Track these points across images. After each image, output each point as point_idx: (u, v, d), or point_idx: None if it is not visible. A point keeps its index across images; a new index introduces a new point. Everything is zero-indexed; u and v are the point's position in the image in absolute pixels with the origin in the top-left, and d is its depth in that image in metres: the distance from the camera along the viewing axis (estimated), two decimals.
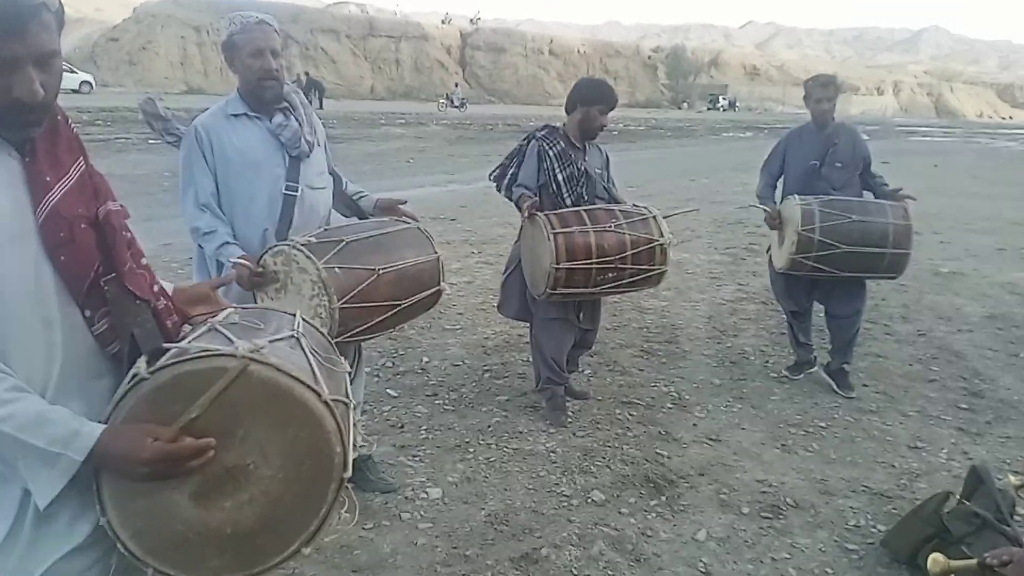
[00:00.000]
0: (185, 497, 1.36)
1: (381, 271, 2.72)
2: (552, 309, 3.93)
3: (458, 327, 5.47)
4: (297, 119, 2.86)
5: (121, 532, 1.35)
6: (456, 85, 53.52)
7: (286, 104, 2.87)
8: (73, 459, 1.25)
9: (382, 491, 3.25)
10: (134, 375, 1.34)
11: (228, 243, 2.74)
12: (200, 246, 2.86)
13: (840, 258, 4.22)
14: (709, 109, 72.43)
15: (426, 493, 3.27)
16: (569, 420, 4.01)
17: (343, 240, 2.70)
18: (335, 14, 71.27)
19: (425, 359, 4.85)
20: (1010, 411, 4.39)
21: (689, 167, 18.62)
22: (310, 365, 1.50)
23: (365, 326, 2.76)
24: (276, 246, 2.69)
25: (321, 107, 33.34)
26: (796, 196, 4.36)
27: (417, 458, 3.58)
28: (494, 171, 4.03)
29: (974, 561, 1.94)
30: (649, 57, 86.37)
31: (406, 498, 3.23)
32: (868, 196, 4.60)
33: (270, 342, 1.45)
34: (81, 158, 1.43)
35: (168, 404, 1.32)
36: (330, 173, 3.12)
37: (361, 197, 3.23)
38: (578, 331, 4.13)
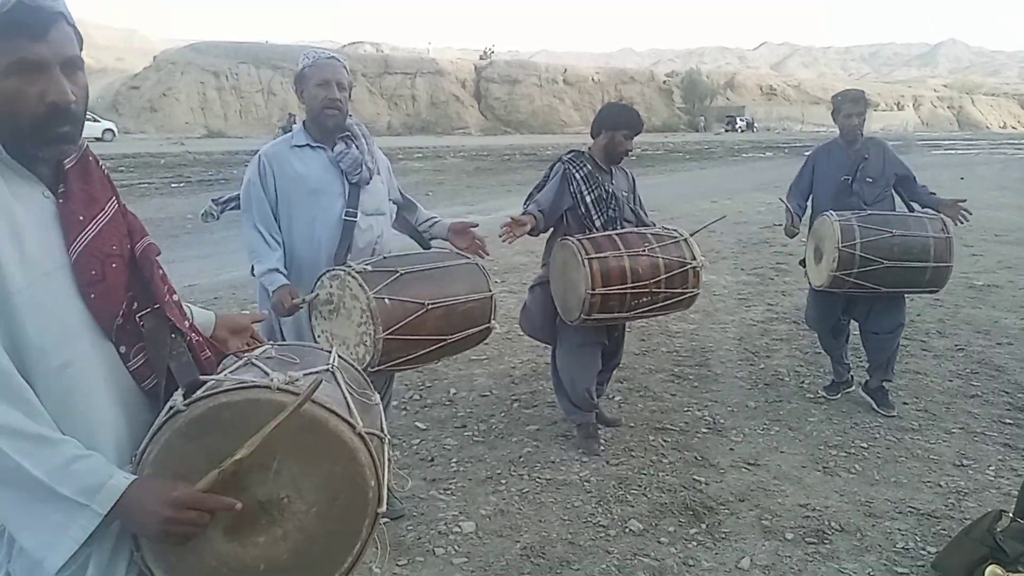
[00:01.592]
0: (219, 532, 1.34)
1: (430, 305, 2.77)
2: (581, 335, 3.88)
3: (484, 357, 5.42)
4: (358, 147, 3.00)
5: (155, 568, 1.34)
6: (291, 116, 51.36)
7: (348, 134, 3.02)
8: (96, 512, 1.23)
9: (391, 518, 3.21)
10: (170, 407, 1.33)
11: (273, 270, 2.86)
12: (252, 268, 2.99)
13: (882, 274, 4.14)
14: (727, 131, 72.42)
15: (459, 527, 3.20)
16: (602, 448, 3.93)
17: (397, 271, 2.77)
18: (351, 54, 72.53)
19: (453, 391, 4.81)
20: None
21: (710, 189, 18.56)
22: (345, 398, 1.48)
23: (408, 357, 2.82)
24: (333, 270, 2.81)
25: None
26: (832, 212, 4.28)
27: (448, 491, 3.52)
28: (525, 200, 4.02)
29: None
30: (664, 82, 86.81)
31: (439, 532, 3.17)
32: (903, 209, 4.53)
33: (304, 375, 1.44)
34: (114, 197, 1.45)
35: (204, 436, 1.31)
36: (396, 202, 3.26)
37: (435, 223, 3.33)
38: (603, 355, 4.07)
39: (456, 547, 3.06)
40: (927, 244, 4.16)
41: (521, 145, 40.58)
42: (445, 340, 2.88)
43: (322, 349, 1.81)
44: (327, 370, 1.57)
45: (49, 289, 1.27)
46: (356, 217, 2.96)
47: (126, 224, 1.45)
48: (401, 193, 3.31)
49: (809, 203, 4.68)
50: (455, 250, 3.18)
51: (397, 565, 2.92)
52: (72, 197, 1.34)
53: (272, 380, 1.37)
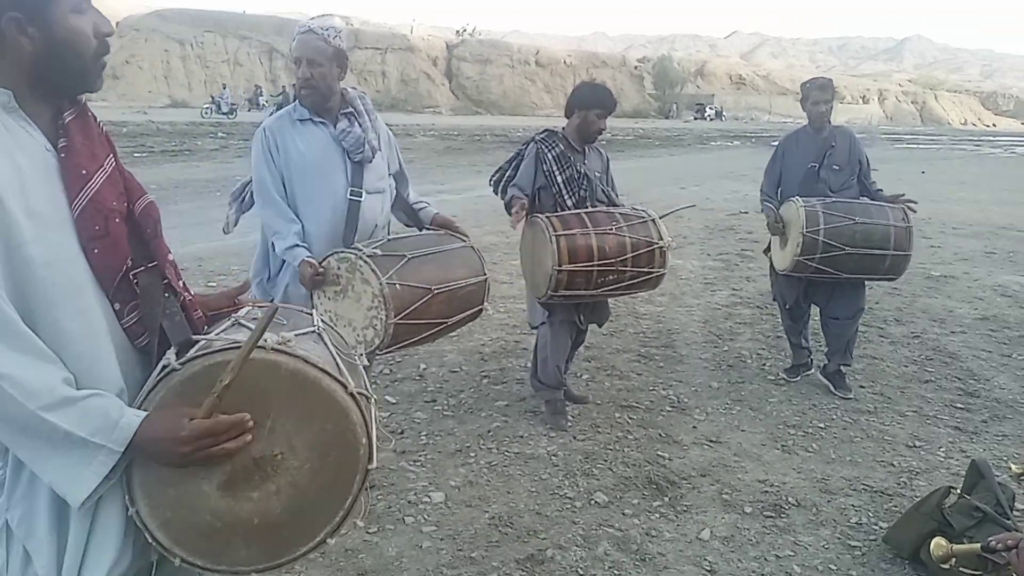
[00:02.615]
0: (214, 487, 1.37)
1: (436, 290, 2.82)
2: (554, 312, 3.94)
3: (454, 335, 5.44)
4: (360, 125, 2.96)
5: (150, 522, 1.36)
6: (224, 87, 45.75)
7: (351, 110, 2.98)
8: (113, 451, 1.25)
9: None
10: (164, 366, 1.35)
11: (296, 246, 2.85)
12: (272, 244, 2.98)
13: (843, 260, 4.26)
14: (696, 119, 72.91)
15: (429, 497, 3.26)
16: (569, 424, 4.01)
17: (405, 256, 2.81)
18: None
19: (423, 366, 4.85)
20: (1005, 410, 4.43)
21: (678, 175, 18.72)
22: (334, 359, 1.52)
23: (411, 340, 2.89)
24: (343, 252, 2.81)
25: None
26: (798, 198, 4.38)
27: (418, 463, 3.57)
28: (494, 175, 4.04)
29: (977, 546, 1.97)
30: (636, 67, 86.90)
31: (409, 502, 3.22)
32: (864, 199, 4.64)
33: (296, 335, 1.47)
34: (111, 154, 1.45)
35: (198, 394, 1.33)
36: (396, 177, 3.24)
37: (421, 208, 3.33)
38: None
39: (426, 516, 3.12)
40: (888, 232, 4.28)
41: (492, 126, 40.41)
42: (445, 323, 2.95)
43: (304, 312, 1.83)
44: (314, 331, 1.60)
45: (55, 243, 1.28)
46: (361, 197, 2.95)
47: (123, 181, 1.45)
48: (400, 166, 3.29)
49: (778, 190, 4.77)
50: (450, 232, 3.18)
51: (368, 533, 2.96)
52: (74, 151, 1.34)
53: (266, 340, 1.40)
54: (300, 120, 2.95)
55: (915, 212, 4.45)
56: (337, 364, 1.50)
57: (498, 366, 4.90)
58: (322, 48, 2.84)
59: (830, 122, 4.63)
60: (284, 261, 2.96)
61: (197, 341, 1.44)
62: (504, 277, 7.12)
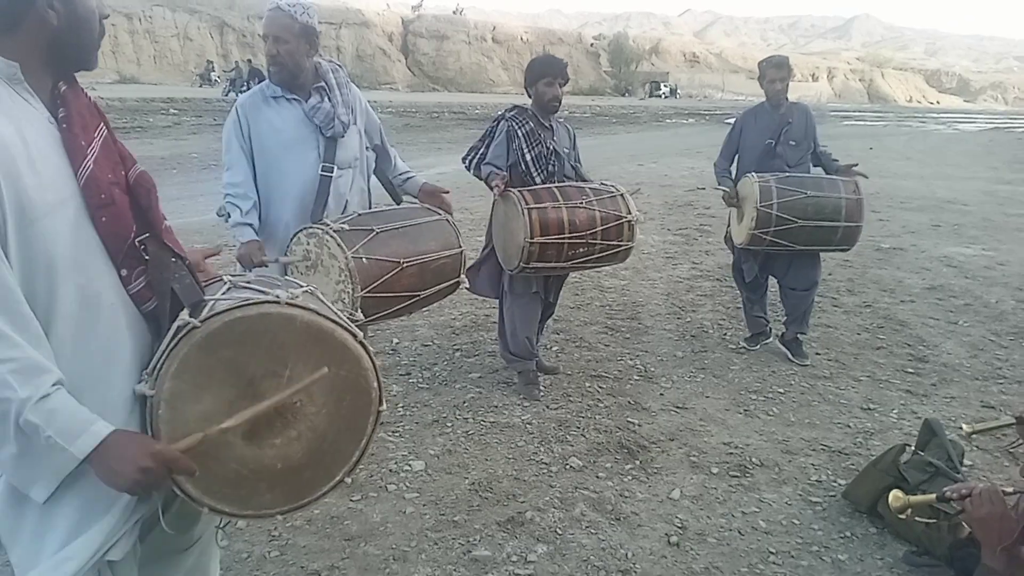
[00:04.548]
0: (239, 438, 1.43)
1: (405, 264, 2.87)
2: (523, 285, 4.03)
3: (425, 309, 5.51)
4: (331, 100, 2.97)
5: (178, 476, 1.41)
6: (209, 62, 45.78)
7: (323, 84, 2.99)
8: (73, 456, 1.28)
9: None
10: (181, 326, 1.40)
11: (244, 224, 2.89)
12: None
13: (796, 232, 4.42)
14: (651, 96, 73.38)
15: (409, 466, 3.34)
16: (541, 394, 4.12)
17: (373, 230, 2.84)
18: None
19: (395, 340, 4.91)
20: (952, 374, 4.67)
21: (636, 152, 18.90)
22: (334, 311, 1.59)
23: (383, 312, 2.93)
24: (311, 227, 2.84)
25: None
26: (753, 174, 4.53)
27: (397, 434, 3.64)
28: (467, 155, 4.09)
29: (932, 496, 2.11)
30: (592, 45, 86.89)
31: (390, 471, 3.30)
32: (818, 172, 4.81)
33: (303, 292, 1.54)
34: (102, 124, 1.48)
35: (220, 350, 1.40)
36: (376, 149, 3.28)
37: (408, 178, 3.38)
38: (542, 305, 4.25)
39: (407, 484, 3.20)
40: (839, 205, 4.45)
41: (450, 103, 40.11)
42: (418, 296, 2.99)
43: (286, 278, 1.91)
44: (309, 291, 1.67)
45: (65, 216, 1.31)
46: (333, 173, 2.98)
47: (117, 151, 1.49)
48: (382, 139, 3.32)
49: (735, 166, 4.92)
50: (425, 206, 3.23)
51: (351, 500, 3.04)
52: (72, 122, 1.38)
53: (279, 296, 1.47)
54: (273, 97, 2.98)
55: (867, 179, 4.63)
56: (340, 315, 1.58)
57: (470, 339, 4.98)
58: (288, 24, 2.85)
59: (787, 99, 4.77)
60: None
61: (207, 302, 1.50)
62: (471, 253, 7.09)
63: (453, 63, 71.36)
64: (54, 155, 1.33)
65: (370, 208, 3.24)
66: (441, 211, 3.22)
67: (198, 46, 54.22)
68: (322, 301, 1.64)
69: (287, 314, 1.44)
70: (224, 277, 1.65)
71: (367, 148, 3.25)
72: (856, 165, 4.68)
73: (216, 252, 1.93)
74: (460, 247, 3.15)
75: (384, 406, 1.57)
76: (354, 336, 1.51)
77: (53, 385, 1.25)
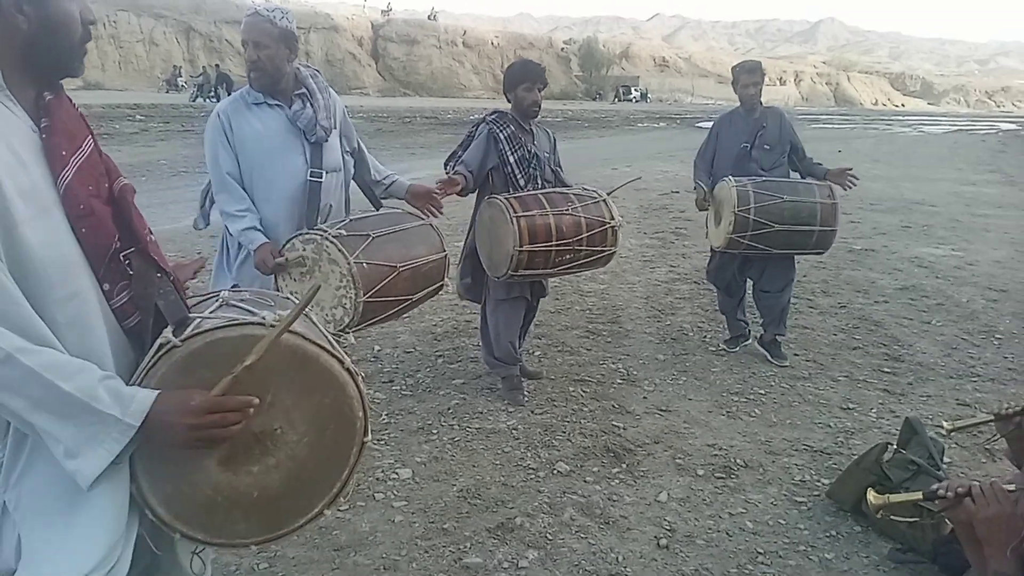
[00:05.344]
0: (214, 462, 1.40)
1: (401, 268, 2.87)
2: (507, 290, 4.03)
3: (405, 315, 5.48)
4: (312, 105, 2.95)
5: (150, 498, 1.38)
6: (175, 68, 46.16)
7: (304, 90, 2.98)
8: (129, 424, 1.27)
9: None
10: (162, 344, 1.37)
11: (253, 228, 2.86)
12: (227, 227, 2.97)
13: (773, 236, 4.48)
14: (622, 100, 73.87)
15: (396, 474, 3.32)
16: (526, 399, 4.12)
17: (369, 235, 2.85)
18: (239, 4, 69.12)
19: (376, 347, 4.88)
20: (928, 372, 4.76)
21: (609, 156, 18.99)
22: (325, 336, 1.56)
23: (379, 317, 2.93)
24: (307, 233, 2.82)
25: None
26: (731, 178, 4.58)
27: (383, 442, 3.62)
28: (448, 159, 4.09)
29: (916, 494, 2.06)
30: (562, 49, 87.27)
31: (377, 479, 3.27)
32: (795, 176, 4.88)
33: (289, 313, 1.51)
34: (89, 135, 1.45)
35: (200, 371, 1.36)
36: (352, 153, 3.26)
37: (393, 181, 3.38)
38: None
39: (395, 492, 3.18)
40: (814, 209, 4.52)
41: (421, 108, 40.03)
42: (409, 299, 3.01)
43: (280, 295, 1.88)
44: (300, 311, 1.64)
45: (49, 223, 1.29)
46: (321, 178, 2.97)
47: (103, 163, 1.46)
48: (359, 143, 3.32)
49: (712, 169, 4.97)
50: (408, 210, 3.23)
51: (339, 510, 3.00)
52: (55, 131, 1.35)
53: (264, 317, 1.44)
54: (255, 104, 2.95)
55: (855, 186, 4.71)
56: (329, 340, 1.55)
57: (451, 345, 4.97)
58: (267, 29, 2.84)
59: (761, 103, 4.83)
60: (241, 245, 2.97)
61: (192, 319, 1.47)
62: (451, 258, 7.16)
63: (424, 68, 71.21)
64: (37, 163, 1.31)
65: (348, 213, 3.23)
66: (424, 216, 3.24)
67: (164, 51, 53.51)
68: (313, 324, 1.61)
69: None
70: (220, 293, 1.63)
71: (346, 152, 3.24)
72: (851, 168, 4.75)
73: (201, 266, 1.90)
74: (444, 251, 3.21)
75: (370, 436, 1.51)
76: (340, 362, 1.47)
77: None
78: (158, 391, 1.31)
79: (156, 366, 1.36)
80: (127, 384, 1.35)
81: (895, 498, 2.13)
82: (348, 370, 1.49)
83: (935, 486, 1.99)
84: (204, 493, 1.41)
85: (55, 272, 1.29)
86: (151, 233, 1.53)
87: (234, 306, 1.56)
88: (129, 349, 1.45)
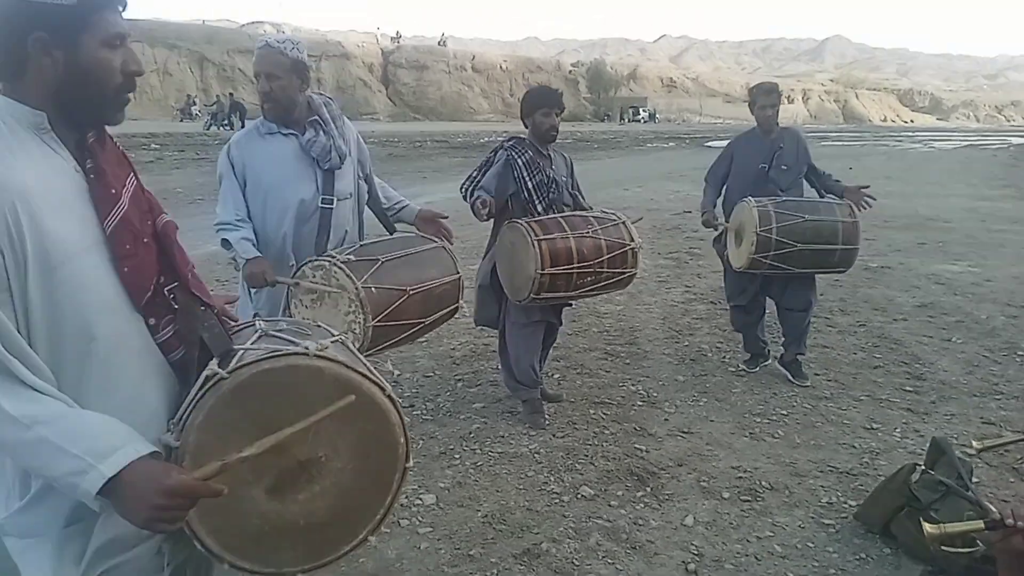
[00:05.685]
0: (262, 492, 1.41)
1: (411, 291, 2.88)
2: (527, 314, 4.04)
3: (424, 340, 5.48)
4: (326, 132, 2.98)
5: (199, 529, 1.38)
6: (189, 97, 46.55)
7: (317, 118, 3.00)
8: (101, 473, 1.21)
9: None
10: (209, 376, 1.38)
11: (246, 239, 2.86)
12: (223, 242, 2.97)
13: (796, 255, 4.47)
14: (630, 121, 74.25)
15: (420, 500, 3.32)
16: (547, 422, 4.11)
17: (378, 259, 2.86)
18: (251, 34, 70.10)
19: (396, 372, 4.89)
20: (951, 391, 4.71)
21: (621, 177, 19.05)
22: (365, 364, 1.58)
23: (390, 341, 2.92)
24: (316, 260, 2.84)
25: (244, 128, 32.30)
26: (751, 199, 4.58)
27: None
28: (464, 183, 4.12)
29: (977, 523, 1.86)
30: (570, 72, 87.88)
31: (401, 505, 3.26)
32: (812, 194, 4.89)
33: (331, 342, 1.53)
34: (132, 173, 1.48)
35: (247, 402, 1.38)
36: (367, 180, 3.27)
37: (404, 207, 3.39)
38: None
39: (420, 518, 3.18)
40: (836, 228, 4.52)
41: (432, 132, 40.35)
42: (423, 323, 3.00)
43: (313, 323, 1.90)
44: (338, 340, 1.66)
45: (86, 264, 1.30)
46: (333, 205, 2.99)
47: (146, 200, 1.49)
48: (370, 170, 3.32)
49: (723, 190, 4.98)
50: (420, 234, 3.25)
51: None
52: (101, 172, 1.38)
53: (307, 347, 1.46)
54: (269, 134, 2.98)
55: (870, 207, 4.70)
56: (369, 367, 1.57)
57: (470, 369, 4.98)
58: (280, 61, 2.87)
59: (778, 124, 4.85)
60: None
61: (237, 351, 1.49)
62: (466, 281, 7.15)
63: (434, 92, 71.83)
64: (79, 204, 1.32)
65: (362, 238, 3.25)
66: (436, 239, 3.24)
67: (178, 81, 54.24)
68: (352, 353, 1.63)
69: (315, 366, 1.42)
70: (257, 323, 1.64)
71: (360, 178, 3.25)
72: (868, 187, 4.76)
73: (234, 299, 1.93)
74: (458, 273, 3.19)
75: (411, 462, 1.53)
76: (382, 390, 1.49)
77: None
78: (141, 452, 1.27)
79: (204, 398, 1.37)
80: (176, 418, 1.37)
81: (951, 528, 1.93)
82: (389, 397, 1.51)
83: (996, 514, 1.82)
84: (252, 523, 1.42)
85: (95, 310, 1.31)
86: (193, 267, 1.55)
87: (274, 336, 1.58)
88: (174, 382, 1.46)
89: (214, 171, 3.12)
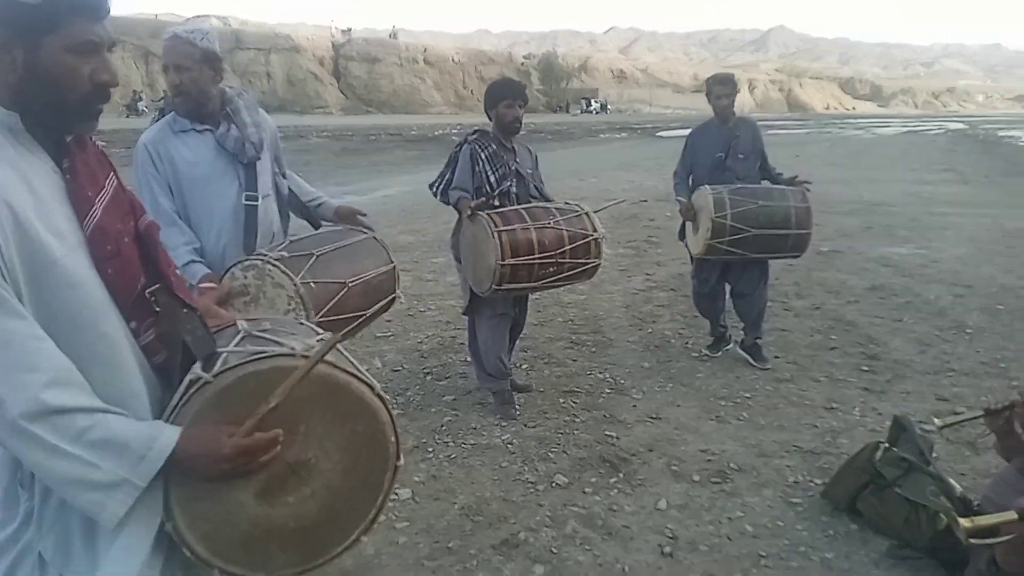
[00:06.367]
0: (251, 495, 1.39)
1: (351, 284, 2.79)
2: (494, 306, 4.05)
3: (390, 334, 5.48)
4: (237, 124, 2.83)
5: (188, 536, 1.36)
6: (135, 92, 45.98)
7: (228, 111, 2.86)
8: (152, 466, 1.26)
9: None
10: (193, 380, 1.36)
11: (193, 261, 2.71)
12: None
13: (750, 241, 4.57)
14: (583, 112, 74.64)
15: (396, 494, 3.31)
16: (518, 413, 4.14)
17: (312, 254, 2.74)
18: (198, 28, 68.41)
19: (363, 367, 4.84)
20: (905, 370, 4.87)
21: (575, 168, 19.14)
22: (353, 363, 1.57)
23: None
24: (247, 260, 2.67)
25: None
26: (707, 186, 4.67)
27: None
28: (434, 182, 4.10)
29: (1011, 514, 1.79)
30: (522, 64, 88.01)
31: None
32: (766, 183, 4.99)
33: (317, 341, 1.51)
34: (112, 173, 1.44)
35: (232, 405, 1.35)
36: (283, 176, 3.12)
37: (320, 203, 3.24)
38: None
39: (396, 513, 3.17)
40: (789, 213, 4.63)
41: (385, 125, 40.01)
42: (364, 314, 2.91)
43: (299, 322, 1.87)
44: (322, 339, 1.65)
45: (76, 264, 1.28)
46: (257, 201, 2.85)
47: (127, 200, 1.46)
48: (284, 165, 3.17)
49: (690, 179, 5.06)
50: (348, 227, 3.13)
51: None
52: (77, 172, 1.34)
53: (294, 348, 1.44)
54: (182, 131, 2.81)
55: (809, 191, 4.82)
56: (357, 367, 1.56)
57: (439, 362, 4.97)
58: (189, 52, 2.71)
59: (734, 114, 4.94)
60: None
61: (220, 354, 1.46)
62: (428, 275, 7.20)
63: (386, 85, 71.21)
64: (60, 204, 1.30)
65: (287, 235, 3.11)
66: (366, 230, 3.13)
67: (123, 76, 52.68)
68: (340, 352, 1.62)
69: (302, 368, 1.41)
70: (239, 324, 1.62)
71: (277, 175, 3.10)
72: (796, 176, 4.89)
73: (224, 293, 1.89)
74: (392, 262, 3.09)
75: (402, 460, 1.52)
76: (371, 388, 1.47)
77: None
78: (179, 430, 1.30)
79: (189, 403, 1.35)
80: (162, 420, 1.35)
81: (983, 521, 1.86)
82: (379, 396, 1.50)
83: (992, 403, 1.83)
84: (242, 528, 1.40)
85: (89, 310, 1.28)
86: (176, 269, 1.52)
87: (257, 337, 1.55)
88: (157, 386, 1.43)
89: None
